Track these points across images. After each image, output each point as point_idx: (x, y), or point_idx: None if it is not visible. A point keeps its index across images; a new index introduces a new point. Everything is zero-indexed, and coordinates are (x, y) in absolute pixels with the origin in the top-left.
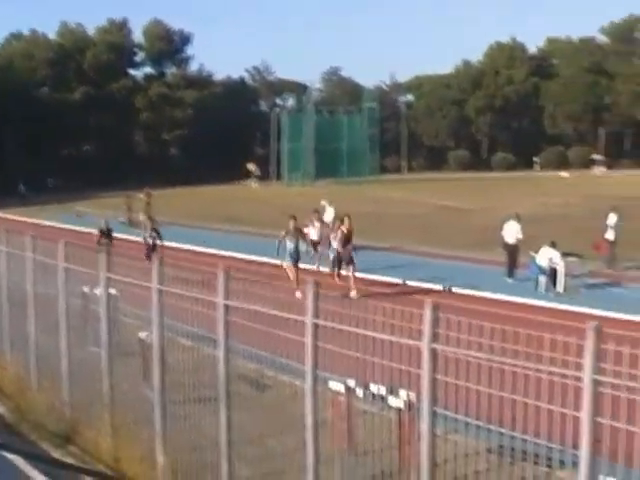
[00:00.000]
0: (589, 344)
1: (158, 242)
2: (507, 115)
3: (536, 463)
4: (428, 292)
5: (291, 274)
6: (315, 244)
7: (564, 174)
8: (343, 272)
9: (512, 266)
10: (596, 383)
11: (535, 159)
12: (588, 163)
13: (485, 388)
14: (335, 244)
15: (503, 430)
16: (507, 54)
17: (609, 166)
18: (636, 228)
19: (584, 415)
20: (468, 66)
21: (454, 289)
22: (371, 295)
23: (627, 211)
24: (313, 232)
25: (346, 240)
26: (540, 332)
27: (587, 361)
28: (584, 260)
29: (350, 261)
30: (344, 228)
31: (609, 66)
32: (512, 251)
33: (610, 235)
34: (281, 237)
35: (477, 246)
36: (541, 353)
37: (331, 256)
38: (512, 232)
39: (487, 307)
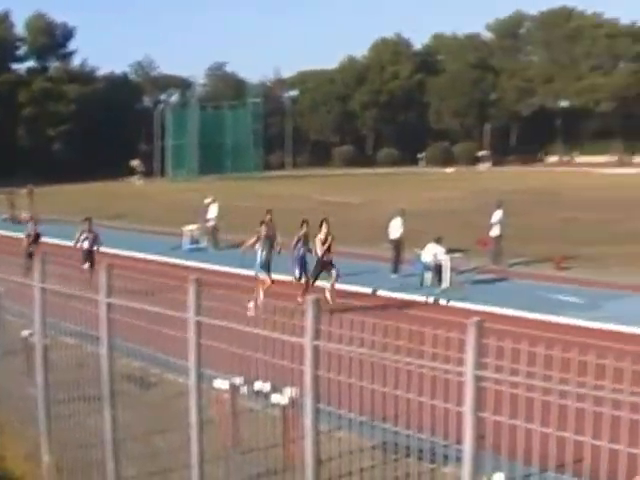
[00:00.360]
0: (470, 339)
1: (95, 247)
2: (392, 111)
3: (420, 459)
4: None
5: (262, 287)
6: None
7: (449, 170)
8: (320, 284)
9: (397, 262)
10: (478, 378)
11: (420, 155)
12: (474, 159)
13: (368, 384)
14: (301, 250)
15: (387, 426)
16: (392, 50)
17: (494, 162)
18: (520, 224)
19: (467, 410)
20: (353, 61)
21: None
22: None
23: (512, 207)
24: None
25: (326, 248)
26: (423, 328)
27: (469, 356)
28: (469, 256)
29: (330, 271)
30: (322, 235)
31: (494, 62)
32: (396, 246)
33: (495, 231)
34: (250, 244)
35: (363, 242)
36: (423, 348)
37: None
38: (396, 227)
39: (371, 303)
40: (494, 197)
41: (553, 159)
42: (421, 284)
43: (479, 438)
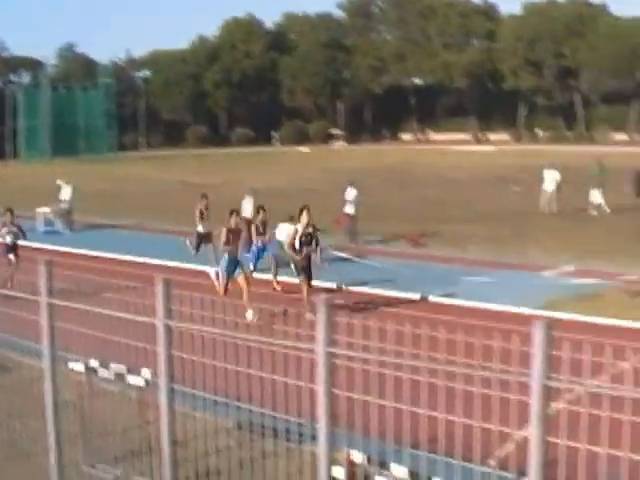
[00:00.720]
0: (321, 317)
1: (18, 241)
2: (245, 90)
3: (276, 437)
4: (163, 269)
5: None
6: (202, 237)
7: (304, 149)
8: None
9: (250, 241)
10: (330, 355)
11: (274, 134)
12: (327, 137)
13: (222, 363)
14: (259, 241)
15: (241, 405)
16: (243, 29)
17: (349, 140)
18: (377, 202)
19: (320, 387)
20: (204, 41)
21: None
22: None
23: (368, 185)
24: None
25: (307, 240)
26: (276, 306)
27: (320, 334)
28: (326, 235)
29: (308, 267)
30: (300, 225)
31: (347, 41)
32: (249, 226)
33: (350, 209)
34: (224, 241)
35: (218, 222)
36: (275, 327)
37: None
38: (248, 207)
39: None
40: (348, 176)
41: (408, 137)
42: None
43: (334, 415)
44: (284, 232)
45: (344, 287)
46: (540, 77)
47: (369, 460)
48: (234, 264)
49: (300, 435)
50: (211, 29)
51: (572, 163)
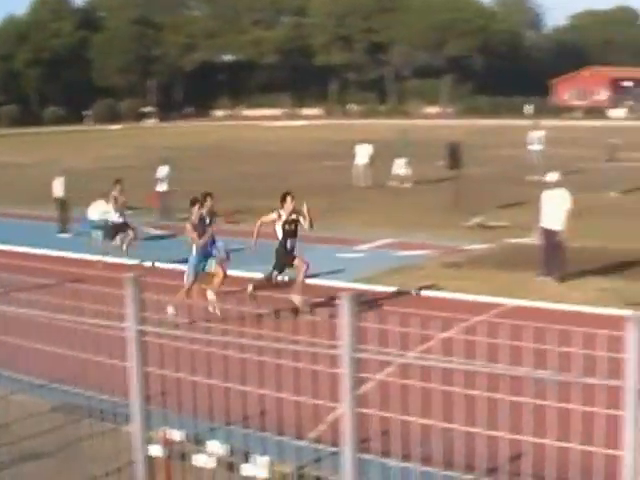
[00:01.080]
0: (129, 294)
1: None
2: (56, 68)
3: (91, 417)
4: None
5: (216, 281)
6: (118, 228)
7: (116, 127)
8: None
9: (63, 221)
10: (141, 333)
11: (85, 112)
12: (139, 115)
13: (38, 345)
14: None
15: (57, 386)
16: (52, 7)
17: (161, 118)
18: (192, 179)
19: (132, 365)
20: (14, 20)
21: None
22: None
23: (183, 162)
24: (114, 211)
25: (291, 230)
26: (93, 285)
27: (130, 311)
28: (139, 213)
29: (293, 262)
30: (284, 211)
31: (156, 18)
32: (61, 206)
33: (161, 187)
34: (196, 236)
35: (30, 202)
36: (84, 305)
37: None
38: (59, 186)
39: (39, 263)
40: (160, 154)
41: (220, 113)
42: (90, 243)
43: (147, 395)
44: (98, 210)
45: (157, 265)
46: (351, 52)
47: (187, 438)
48: (204, 261)
49: (115, 415)
50: (21, 8)
51: (384, 137)
